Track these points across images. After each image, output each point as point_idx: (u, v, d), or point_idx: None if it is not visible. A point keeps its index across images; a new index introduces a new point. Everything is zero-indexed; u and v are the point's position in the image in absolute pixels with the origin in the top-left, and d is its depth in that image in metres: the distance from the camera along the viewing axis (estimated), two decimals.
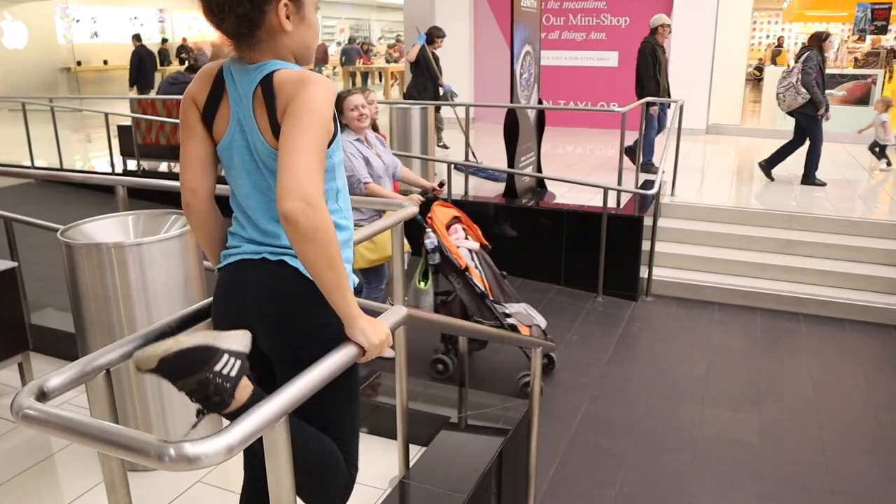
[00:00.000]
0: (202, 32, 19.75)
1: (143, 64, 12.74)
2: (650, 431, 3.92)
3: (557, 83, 10.69)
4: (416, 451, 2.61)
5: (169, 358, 1.14)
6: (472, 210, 6.15)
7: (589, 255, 5.71)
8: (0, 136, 10.03)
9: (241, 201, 1.49)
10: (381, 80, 18.87)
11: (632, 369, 4.66)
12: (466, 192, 6.47)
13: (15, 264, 3.19)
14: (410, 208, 2.33)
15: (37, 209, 7.08)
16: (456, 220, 4.40)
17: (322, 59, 17.49)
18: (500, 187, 6.59)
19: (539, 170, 6.87)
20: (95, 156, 9.86)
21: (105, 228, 2.72)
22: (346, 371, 1.36)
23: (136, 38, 13.17)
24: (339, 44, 19.59)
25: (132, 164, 8.37)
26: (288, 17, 1.41)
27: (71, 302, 2.66)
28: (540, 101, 6.94)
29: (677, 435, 3.90)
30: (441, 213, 4.32)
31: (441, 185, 4.75)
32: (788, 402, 4.24)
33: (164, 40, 18.76)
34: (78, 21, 18.84)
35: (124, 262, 2.51)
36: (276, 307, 1.44)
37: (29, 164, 8.49)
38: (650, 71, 7.59)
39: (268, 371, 1.54)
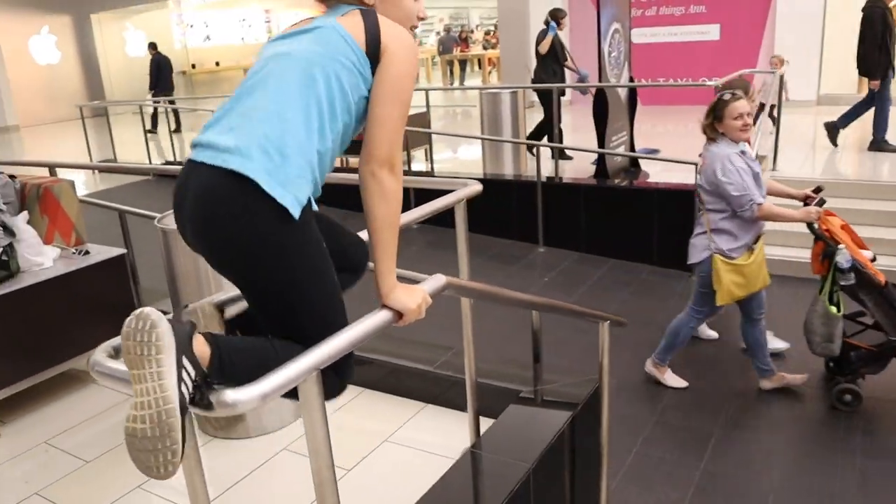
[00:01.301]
0: None
1: (161, 70, 13.71)
2: (741, 412, 3.82)
3: (653, 61, 10.41)
4: (488, 425, 2.68)
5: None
6: (564, 192, 6.15)
7: (682, 234, 5.56)
8: (125, 138, 10.79)
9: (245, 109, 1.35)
10: (479, 67, 18.93)
11: (724, 349, 4.55)
12: (557, 174, 6.44)
13: (124, 251, 3.48)
14: (474, 186, 2.38)
15: (156, 202, 7.59)
16: (844, 228, 3.85)
17: None
18: (588, 167, 6.51)
19: (632, 149, 6.75)
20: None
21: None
22: (288, 269, 1.29)
23: (153, 46, 14.13)
24: (437, 34, 19.78)
25: None
26: None
27: (168, 284, 2.88)
28: (631, 80, 6.81)
29: (769, 414, 3.79)
30: (836, 224, 3.77)
31: (817, 190, 3.91)
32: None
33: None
34: (192, 26, 19.90)
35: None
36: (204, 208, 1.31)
37: (147, 161, 9.11)
38: (878, 41, 6.51)
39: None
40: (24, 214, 3.39)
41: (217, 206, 1.26)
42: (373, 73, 1.38)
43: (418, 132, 7.14)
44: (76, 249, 3.48)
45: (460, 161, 8.61)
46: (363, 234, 1.63)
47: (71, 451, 2.82)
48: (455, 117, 12.89)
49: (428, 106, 7.39)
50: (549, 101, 7.08)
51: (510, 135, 6.91)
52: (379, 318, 1.35)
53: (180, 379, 1.11)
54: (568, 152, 7.45)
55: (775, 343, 4.33)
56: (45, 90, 15.88)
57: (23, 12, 16.59)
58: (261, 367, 1.19)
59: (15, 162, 6.54)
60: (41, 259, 3.32)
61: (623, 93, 6.46)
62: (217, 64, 19.77)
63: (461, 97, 15.14)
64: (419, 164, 7.95)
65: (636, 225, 5.86)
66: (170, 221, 2.85)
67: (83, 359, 3.25)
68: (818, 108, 10.12)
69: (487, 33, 19.60)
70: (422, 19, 1.56)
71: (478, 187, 2.39)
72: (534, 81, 7.68)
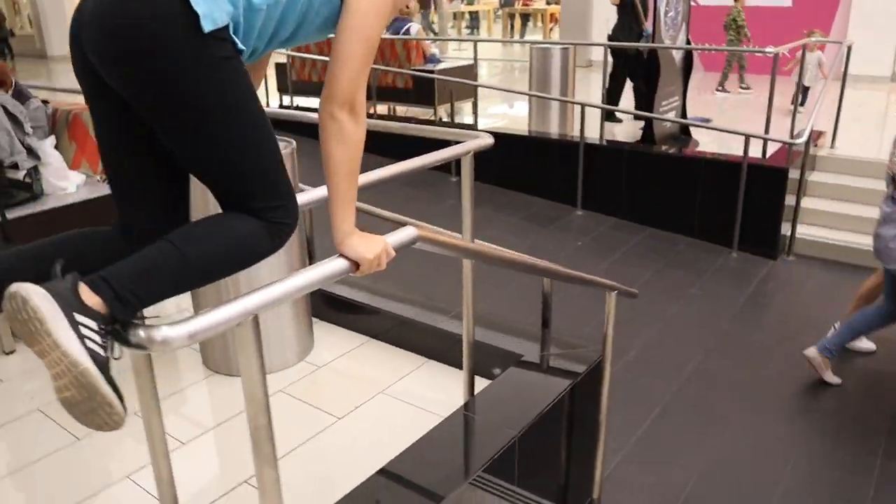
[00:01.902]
0: None
1: None
2: (764, 395, 3.68)
3: (719, 24, 9.96)
4: (482, 384, 2.63)
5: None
6: (606, 155, 5.97)
7: (726, 207, 5.36)
8: None
9: None
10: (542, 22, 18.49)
11: (757, 331, 4.38)
12: (602, 138, 6.24)
13: None
14: (483, 139, 2.28)
15: None
16: None
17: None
18: (636, 131, 6.30)
19: (683, 115, 6.49)
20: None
21: None
22: (204, 99, 1.14)
23: None
24: None
25: (287, 100, 8.79)
26: None
27: None
28: (688, 42, 6.51)
29: (794, 402, 3.65)
30: None
31: None
32: None
33: None
34: None
35: None
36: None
37: None
38: None
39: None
40: (52, 139, 3.41)
41: (119, 7, 1.12)
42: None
43: (464, 84, 6.99)
44: (101, 177, 3.49)
45: (508, 116, 8.43)
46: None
47: None
48: (512, 72, 12.62)
49: (476, 59, 7.20)
50: (620, 61, 6.76)
51: (558, 93, 6.70)
52: (331, 266, 1.28)
53: (81, 337, 1.05)
54: (618, 115, 7.21)
55: (863, 343, 4.09)
56: None
57: None
58: (172, 275, 1.15)
59: (49, 87, 6.62)
60: (65, 184, 3.35)
61: (677, 56, 6.18)
62: None
63: (521, 52, 14.80)
64: (465, 118, 7.81)
65: (679, 195, 5.66)
66: None
67: None
68: (892, 86, 9.58)
69: None
70: None
71: (487, 140, 2.29)
72: (609, 39, 7.28)
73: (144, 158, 1.27)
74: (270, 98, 8.91)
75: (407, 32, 7.85)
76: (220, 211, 1.26)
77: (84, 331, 1.05)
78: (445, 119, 7.48)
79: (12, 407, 2.64)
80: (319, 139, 1.27)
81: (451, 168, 6.55)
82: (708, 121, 6.84)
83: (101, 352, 1.07)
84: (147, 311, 1.23)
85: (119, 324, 1.11)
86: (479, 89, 7.32)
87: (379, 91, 7.82)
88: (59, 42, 17.11)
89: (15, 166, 2.94)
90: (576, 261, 5.05)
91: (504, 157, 6.42)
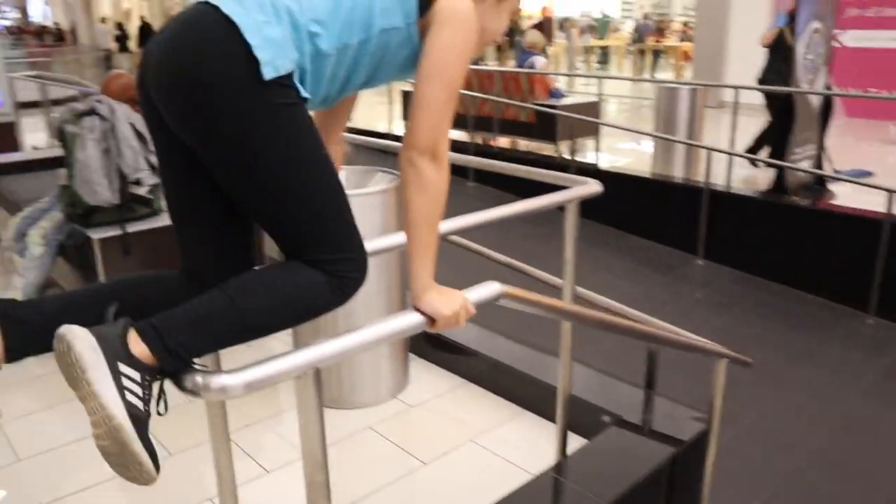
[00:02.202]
0: None
1: None
2: None
3: (866, 68, 9.32)
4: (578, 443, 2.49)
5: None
6: (732, 203, 5.66)
7: (864, 267, 4.93)
8: None
9: None
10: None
11: (894, 411, 3.96)
12: (728, 184, 5.92)
13: None
14: (591, 186, 2.16)
15: None
16: None
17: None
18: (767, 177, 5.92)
19: (819, 165, 6.07)
20: (378, 117, 10.66)
21: None
22: (270, 141, 1.11)
23: None
24: (634, 21, 19.06)
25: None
26: None
27: None
28: (828, 87, 6.10)
29: None
30: None
31: None
32: None
33: None
34: None
35: None
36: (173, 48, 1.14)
37: None
38: None
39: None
40: None
41: (186, 41, 1.11)
42: (420, 37, 1.23)
43: (586, 121, 6.85)
44: None
45: (635, 154, 8.19)
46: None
47: None
48: (638, 110, 12.33)
49: (600, 95, 7.06)
50: (772, 106, 6.39)
51: (685, 134, 6.44)
52: (407, 320, 1.22)
53: (122, 388, 1.02)
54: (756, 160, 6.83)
55: None
56: None
57: None
58: (224, 328, 1.10)
59: None
60: None
61: (816, 101, 5.80)
62: None
63: (651, 89, 14.46)
64: (589, 154, 7.65)
65: (811, 250, 5.27)
66: None
67: None
68: None
69: (686, 24, 18.56)
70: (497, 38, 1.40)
71: (595, 188, 2.17)
72: (759, 82, 6.90)
73: (207, 202, 1.24)
74: (395, 125, 9.07)
75: (532, 66, 7.81)
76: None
77: (126, 382, 1.03)
78: (567, 155, 7.36)
79: None
80: (401, 186, 1.22)
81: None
82: (868, 174, 6.33)
83: (140, 406, 1.04)
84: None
85: (166, 376, 1.08)
86: (607, 126, 7.16)
87: (501, 124, 7.80)
88: None
89: (138, 182, 3.07)
90: (691, 313, 4.78)
91: (625, 198, 6.22)
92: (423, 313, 1.24)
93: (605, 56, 19.08)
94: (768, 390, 3.92)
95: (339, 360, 1.13)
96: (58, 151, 3.58)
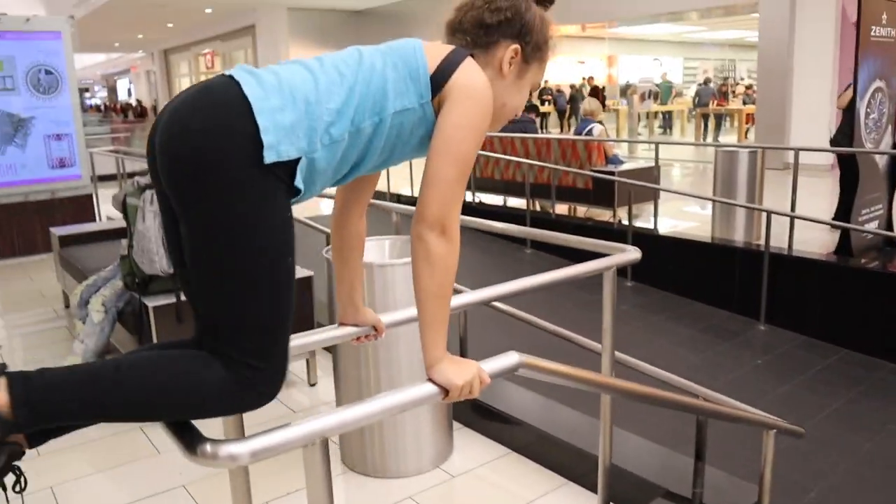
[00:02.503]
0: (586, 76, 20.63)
1: None
2: None
3: None
4: None
5: None
6: (795, 266, 5.49)
7: None
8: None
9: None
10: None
11: None
12: (790, 247, 5.76)
13: (311, 273, 3.65)
14: (628, 254, 2.14)
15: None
16: None
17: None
18: (828, 243, 5.74)
19: (889, 226, 5.85)
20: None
21: (367, 249, 2.97)
22: (247, 260, 1.10)
23: None
24: (698, 84, 19.01)
25: (469, 196, 9.05)
26: (510, 63, 1.34)
27: (328, 312, 2.96)
28: (894, 146, 5.93)
29: None
30: None
31: None
32: None
33: None
34: None
35: (371, 281, 2.71)
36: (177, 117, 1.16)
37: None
38: None
39: None
40: None
41: (199, 104, 1.14)
42: (436, 114, 1.26)
43: (644, 187, 6.81)
44: None
45: (698, 218, 8.06)
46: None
47: None
48: (703, 174, 12.19)
49: (657, 160, 7.03)
50: (847, 168, 6.25)
51: (744, 198, 6.32)
52: (420, 391, 1.22)
53: None
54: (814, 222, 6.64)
55: None
56: None
57: (312, 45, 18.71)
58: (95, 398, 1.06)
59: None
60: None
61: (882, 161, 5.63)
62: None
63: (713, 153, 14.31)
64: (643, 221, 7.57)
65: (880, 314, 5.03)
66: None
67: None
68: None
69: (749, 87, 18.40)
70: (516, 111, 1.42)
71: (632, 255, 2.15)
72: (831, 143, 6.72)
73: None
74: None
75: (589, 133, 7.85)
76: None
77: None
78: (626, 221, 7.29)
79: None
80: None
81: (626, 273, 6.33)
82: None
83: None
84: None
85: (14, 436, 1.06)
86: (668, 192, 7.09)
87: (559, 191, 7.82)
88: None
89: None
90: (752, 381, 4.60)
91: (685, 263, 6.11)
92: (436, 384, 1.24)
93: (667, 121, 19.03)
94: (838, 461, 3.71)
95: (348, 430, 1.13)
96: None
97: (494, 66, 1.33)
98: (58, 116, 6.75)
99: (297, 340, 1.50)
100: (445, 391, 1.24)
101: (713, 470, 2.54)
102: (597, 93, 17.09)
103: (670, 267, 6.20)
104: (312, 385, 3.65)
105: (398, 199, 9.28)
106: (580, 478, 2.72)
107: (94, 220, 6.98)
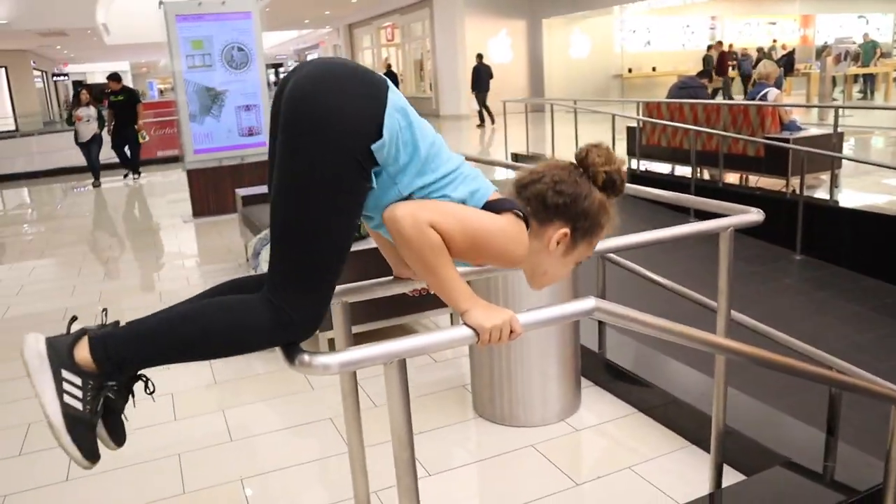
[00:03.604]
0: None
1: (480, 75, 16.67)
2: None
3: None
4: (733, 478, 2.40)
5: None
6: None
7: None
8: (540, 134, 11.59)
9: None
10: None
11: None
12: None
13: None
14: (749, 215, 2.09)
15: None
16: None
17: None
18: None
19: None
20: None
21: None
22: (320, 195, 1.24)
23: (479, 56, 16.95)
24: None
25: (634, 164, 8.88)
26: (558, 243, 1.40)
27: None
28: None
29: None
30: None
31: None
32: None
33: (709, 46, 19.00)
34: (634, 31, 20.41)
35: None
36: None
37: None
38: None
39: None
40: None
41: (350, 70, 1.30)
42: None
43: (819, 154, 6.35)
44: None
45: (882, 192, 7.39)
46: None
47: None
48: None
49: (836, 126, 6.51)
50: None
51: None
52: (456, 332, 1.32)
53: (61, 391, 1.21)
54: None
55: None
56: (495, 86, 17.77)
57: (488, 16, 18.89)
58: (162, 346, 1.26)
59: None
60: None
61: None
62: (654, 69, 19.98)
63: None
64: (823, 193, 7.07)
65: None
66: None
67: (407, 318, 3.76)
68: None
69: None
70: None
71: (753, 217, 2.11)
72: None
73: None
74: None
75: (764, 98, 7.42)
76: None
77: (66, 386, 1.22)
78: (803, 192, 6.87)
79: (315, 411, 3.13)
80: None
81: (794, 245, 5.98)
82: None
83: (79, 406, 1.23)
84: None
85: (116, 382, 1.26)
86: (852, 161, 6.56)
87: (729, 159, 7.48)
88: (450, 104, 19.58)
89: None
90: None
91: (863, 238, 5.69)
92: (470, 327, 1.31)
93: (869, 85, 17.30)
94: None
95: (414, 355, 1.28)
96: None
97: (543, 240, 1.40)
98: (247, 89, 7.44)
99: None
100: (479, 335, 1.32)
101: (844, 445, 2.45)
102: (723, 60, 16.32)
103: (846, 241, 5.79)
104: None
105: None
106: (702, 442, 2.72)
107: None
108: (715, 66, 15.98)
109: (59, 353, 1.24)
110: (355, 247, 1.44)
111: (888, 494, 2.14)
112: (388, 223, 1.29)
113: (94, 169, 10.86)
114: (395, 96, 1.29)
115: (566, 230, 1.39)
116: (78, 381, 1.23)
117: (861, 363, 2.62)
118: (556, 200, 1.37)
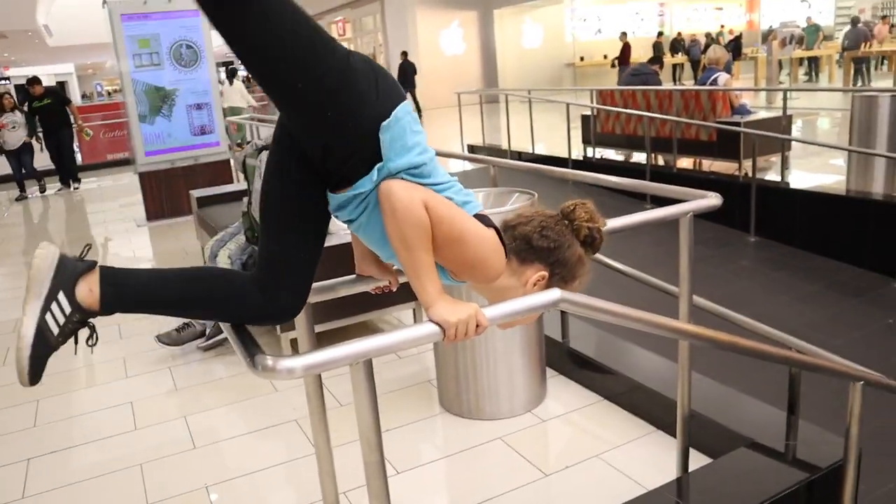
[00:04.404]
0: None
1: (406, 73, 16.32)
2: None
3: None
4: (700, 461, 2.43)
5: None
6: None
7: None
8: (495, 124, 11.60)
9: None
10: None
11: None
12: None
13: None
14: (706, 200, 2.11)
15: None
16: None
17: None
18: None
19: None
20: (557, 142, 10.70)
21: None
22: None
23: (404, 54, 16.83)
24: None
25: (590, 152, 8.94)
26: (535, 284, 1.44)
27: None
28: None
29: None
30: None
31: None
32: None
33: (660, 33, 19.23)
34: (584, 20, 20.57)
35: None
36: None
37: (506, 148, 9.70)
38: None
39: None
40: None
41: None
42: None
43: (770, 137, 6.48)
44: None
45: (828, 173, 7.58)
46: None
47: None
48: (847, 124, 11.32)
49: (784, 109, 6.65)
50: None
51: (885, 147, 5.89)
52: (422, 329, 1.30)
53: (47, 309, 1.24)
54: None
55: None
56: (448, 78, 17.73)
57: (438, 8, 18.84)
58: (164, 303, 1.35)
59: None
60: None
61: None
62: (605, 57, 20.17)
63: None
64: (773, 175, 7.22)
65: None
66: None
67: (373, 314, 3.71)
68: None
69: None
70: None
71: (711, 202, 2.14)
72: None
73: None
74: (573, 151, 9.10)
75: (714, 83, 7.54)
76: None
77: (55, 307, 1.25)
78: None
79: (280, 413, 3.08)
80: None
81: (748, 227, 6.09)
82: None
83: (54, 331, 1.25)
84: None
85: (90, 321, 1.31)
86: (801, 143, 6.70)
87: (682, 144, 7.58)
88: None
89: None
90: (881, 341, 4.36)
91: (813, 218, 5.82)
92: (435, 323, 1.31)
93: (813, 68, 17.72)
94: None
95: (383, 354, 1.25)
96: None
97: (521, 278, 1.45)
98: (197, 87, 7.29)
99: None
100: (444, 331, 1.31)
101: (806, 423, 2.50)
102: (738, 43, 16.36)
103: (797, 222, 5.92)
104: None
105: (518, 156, 9.32)
106: (668, 426, 2.75)
107: (230, 183, 7.52)
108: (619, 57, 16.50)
109: (65, 276, 1.27)
110: None
111: (848, 470, 2.19)
112: (383, 194, 1.31)
113: (20, 181, 10.26)
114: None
115: (545, 273, 1.45)
116: (68, 309, 1.27)
117: (818, 341, 2.67)
118: (541, 244, 1.44)
